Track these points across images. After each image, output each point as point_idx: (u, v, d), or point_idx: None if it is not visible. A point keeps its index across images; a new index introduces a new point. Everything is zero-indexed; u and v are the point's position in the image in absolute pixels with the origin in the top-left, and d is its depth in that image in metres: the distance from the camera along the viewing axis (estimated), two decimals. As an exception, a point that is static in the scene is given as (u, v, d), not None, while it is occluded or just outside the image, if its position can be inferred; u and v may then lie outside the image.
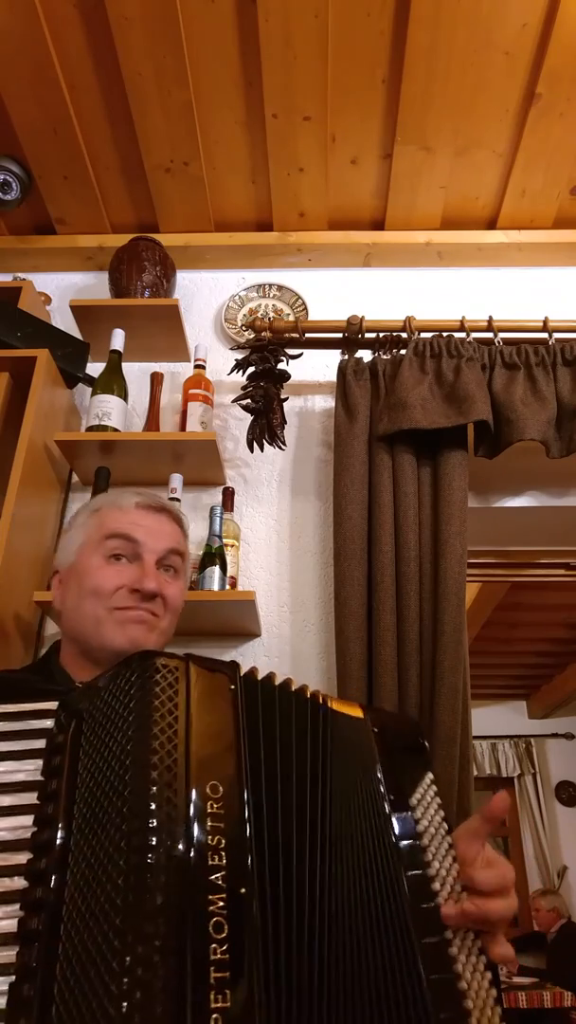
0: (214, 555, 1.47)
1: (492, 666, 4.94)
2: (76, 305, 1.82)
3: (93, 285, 2.07)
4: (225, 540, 1.53)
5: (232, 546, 1.56)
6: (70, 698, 0.67)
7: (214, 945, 0.50)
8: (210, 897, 0.52)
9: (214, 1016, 0.47)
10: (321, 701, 0.75)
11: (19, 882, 0.55)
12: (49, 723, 0.64)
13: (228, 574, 1.49)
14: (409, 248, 2.01)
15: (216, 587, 1.45)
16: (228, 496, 1.64)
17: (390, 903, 0.62)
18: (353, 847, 0.65)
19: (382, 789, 0.70)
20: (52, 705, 0.66)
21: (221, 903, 0.52)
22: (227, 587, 1.48)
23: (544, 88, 1.66)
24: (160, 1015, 0.46)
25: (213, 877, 0.54)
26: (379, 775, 0.71)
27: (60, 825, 0.57)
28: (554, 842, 5.28)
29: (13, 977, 0.50)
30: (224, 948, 0.50)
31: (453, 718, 1.30)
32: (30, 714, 0.65)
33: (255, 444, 1.61)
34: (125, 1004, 0.46)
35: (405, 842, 0.67)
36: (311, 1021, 0.53)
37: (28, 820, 0.58)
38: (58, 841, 0.56)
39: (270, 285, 1.99)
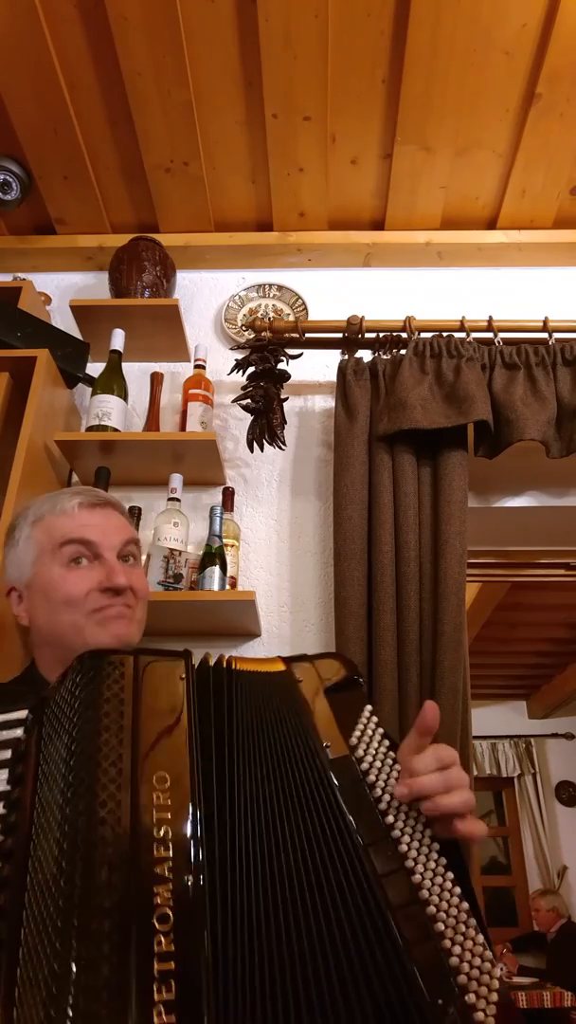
0: (214, 555, 1.47)
1: (492, 666, 4.94)
2: (76, 305, 1.82)
3: (93, 285, 2.07)
4: (225, 540, 1.53)
5: (232, 546, 1.56)
6: (39, 704, 0.68)
7: (159, 936, 0.51)
8: (155, 888, 0.53)
9: (156, 1009, 0.48)
10: (245, 668, 0.76)
11: None
12: (19, 732, 0.65)
13: (228, 574, 1.49)
14: (409, 248, 2.01)
15: (216, 587, 1.45)
16: (228, 496, 1.64)
17: (343, 848, 0.63)
18: (300, 807, 0.65)
19: (319, 741, 0.71)
20: (22, 714, 0.67)
21: (167, 894, 0.53)
22: (227, 587, 1.48)
23: (544, 88, 1.66)
24: (105, 1010, 0.47)
25: (158, 869, 0.54)
26: (314, 727, 0.73)
27: (23, 832, 0.58)
28: (554, 842, 5.28)
29: None
30: (169, 939, 0.51)
31: (453, 718, 1.30)
32: (2, 724, 0.66)
33: (255, 444, 1.61)
34: (69, 1002, 0.47)
35: (351, 789, 0.68)
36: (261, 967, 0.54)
37: None
38: (20, 848, 0.57)
39: (270, 285, 1.99)
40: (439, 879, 0.62)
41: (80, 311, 1.82)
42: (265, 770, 0.67)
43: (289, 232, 2.02)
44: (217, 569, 1.46)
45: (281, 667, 0.79)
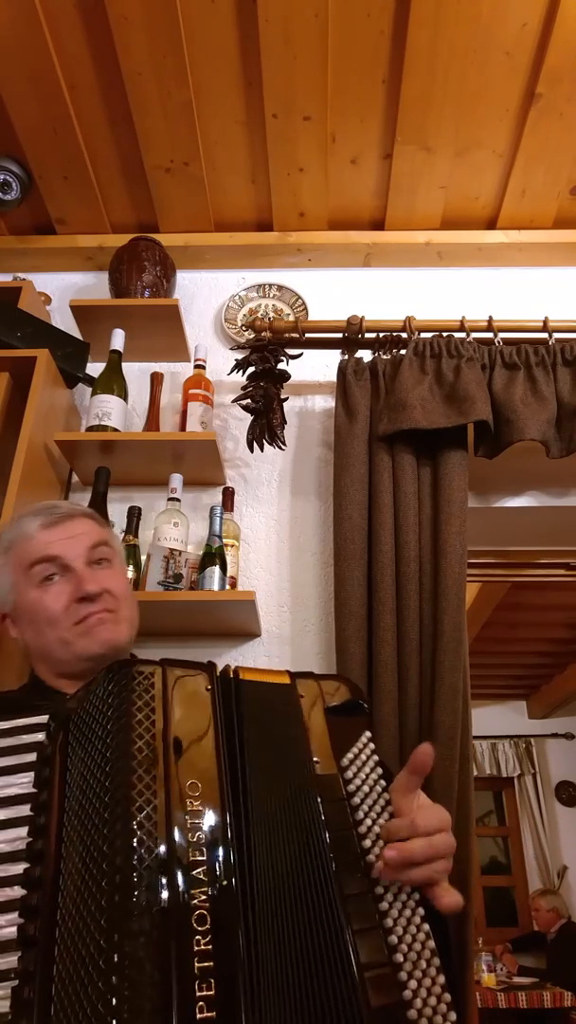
0: (214, 555, 1.47)
1: (492, 666, 4.94)
2: (76, 305, 1.82)
3: (93, 285, 2.07)
4: (225, 540, 1.53)
5: (232, 546, 1.56)
6: (59, 710, 0.69)
7: (198, 937, 0.53)
8: (193, 891, 0.55)
9: (199, 1004, 0.50)
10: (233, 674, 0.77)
11: (17, 891, 0.57)
12: (41, 736, 0.67)
13: (228, 574, 1.49)
14: (409, 248, 2.01)
15: (216, 587, 1.44)
16: (228, 496, 1.64)
17: (317, 866, 0.63)
18: (286, 817, 0.66)
19: (310, 756, 0.72)
20: (43, 719, 0.68)
21: (203, 897, 0.55)
22: (227, 587, 1.48)
23: (544, 88, 1.66)
24: (148, 1010, 0.49)
25: (195, 872, 0.56)
26: (307, 741, 0.73)
27: (52, 834, 0.60)
28: (554, 842, 5.28)
29: (16, 981, 0.53)
30: (207, 940, 0.53)
31: (453, 718, 1.30)
32: (23, 729, 0.68)
33: (255, 444, 1.61)
34: (114, 999, 0.49)
35: (331, 804, 0.68)
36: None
37: (24, 832, 0.61)
38: (51, 849, 0.59)
39: (270, 285, 1.99)
40: (408, 912, 0.63)
41: (80, 311, 1.82)
42: (265, 778, 0.68)
43: (289, 232, 2.02)
44: (217, 569, 1.46)
45: (286, 680, 0.80)
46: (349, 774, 0.72)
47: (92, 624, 0.89)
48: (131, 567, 1.50)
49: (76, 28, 1.58)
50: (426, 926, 0.63)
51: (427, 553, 1.44)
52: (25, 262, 2.06)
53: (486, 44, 1.59)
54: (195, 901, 0.54)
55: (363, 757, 0.74)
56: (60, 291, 2.04)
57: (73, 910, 0.55)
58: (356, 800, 0.69)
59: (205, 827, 0.59)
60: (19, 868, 0.59)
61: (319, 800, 0.67)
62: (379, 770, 0.74)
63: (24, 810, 0.62)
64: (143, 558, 1.54)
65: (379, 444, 1.52)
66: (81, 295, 2.00)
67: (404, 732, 1.32)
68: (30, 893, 0.57)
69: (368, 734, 0.78)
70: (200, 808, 0.60)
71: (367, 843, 0.66)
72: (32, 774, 0.64)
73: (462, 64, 1.62)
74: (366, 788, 0.71)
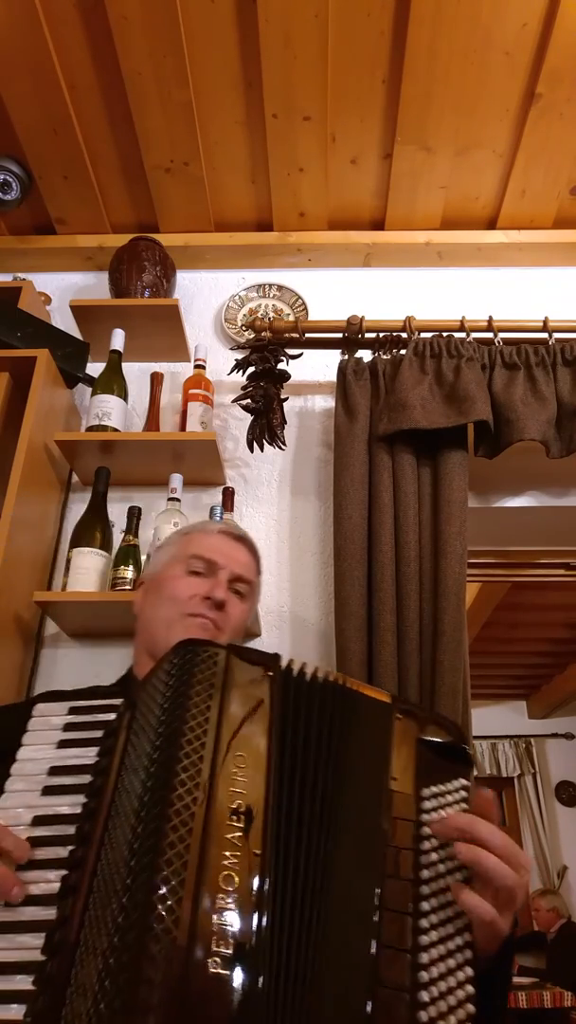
0: (214, 555, 1.47)
1: (492, 666, 4.94)
2: (76, 305, 1.82)
3: (93, 285, 2.06)
4: (225, 540, 1.53)
5: (232, 546, 1.56)
6: (133, 692, 0.73)
7: (221, 895, 0.53)
8: (224, 852, 0.56)
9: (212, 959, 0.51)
10: (350, 686, 0.76)
11: (65, 851, 0.62)
12: (111, 716, 0.72)
13: (228, 574, 1.49)
14: (409, 248, 2.01)
15: (216, 587, 1.44)
16: (228, 496, 1.64)
17: (369, 896, 0.60)
18: (352, 833, 0.65)
19: (387, 771, 0.69)
20: (117, 701, 0.73)
21: (234, 860, 0.56)
22: (227, 587, 1.48)
23: (544, 88, 1.66)
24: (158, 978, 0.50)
25: (229, 836, 0.57)
26: (388, 760, 0.70)
27: (105, 798, 0.64)
28: (554, 842, 5.28)
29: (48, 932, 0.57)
30: (231, 900, 0.54)
31: (453, 718, 1.29)
32: (97, 708, 0.73)
33: (255, 444, 1.61)
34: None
35: (398, 824, 0.65)
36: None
37: (81, 798, 0.65)
38: (102, 811, 0.63)
39: (270, 285, 1.99)
40: (449, 946, 0.59)
41: (80, 311, 1.82)
42: (328, 773, 0.67)
43: (289, 232, 2.02)
44: (217, 569, 1.46)
45: (386, 699, 0.77)
46: (427, 805, 0.67)
47: (197, 623, 0.96)
48: (131, 567, 1.50)
49: (76, 28, 1.58)
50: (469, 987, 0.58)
51: (427, 553, 1.44)
52: (25, 262, 2.06)
53: (486, 44, 1.59)
54: (225, 863, 0.55)
55: (449, 798, 0.68)
56: (60, 291, 2.03)
57: (108, 867, 0.58)
58: (425, 830, 0.65)
59: (249, 795, 0.60)
60: (71, 829, 0.63)
61: (380, 806, 0.65)
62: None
63: (86, 778, 0.67)
64: (143, 558, 1.54)
65: (379, 444, 1.52)
66: (81, 295, 2.00)
67: (404, 732, 1.32)
68: (77, 847, 0.61)
69: (465, 782, 0.70)
70: (243, 779, 0.60)
71: (424, 872, 0.62)
72: (97, 747, 0.69)
73: (462, 64, 1.62)
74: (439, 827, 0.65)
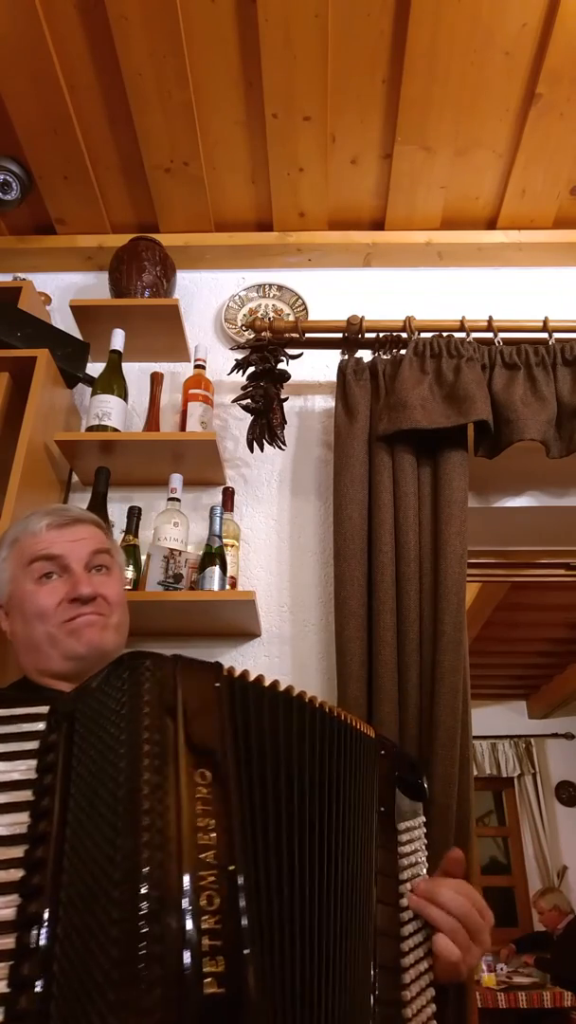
0: (214, 555, 1.47)
1: (492, 666, 4.94)
2: (76, 305, 1.82)
3: (93, 285, 2.07)
4: (225, 540, 1.53)
5: (232, 546, 1.56)
6: (60, 702, 0.68)
7: (205, 916, 0.52)
8: (200, 873, 0.54)
9: (207, 979, 0.49)
10: (331, 712, 0.75)
11: (16, 873, 0.57)
12: (40, 725, 0.66)
13: (228, 574, 1.49)
14: (409, 248, 2.01)
15: (216, 587, 1.44)
16: (228, 496, 1.64)
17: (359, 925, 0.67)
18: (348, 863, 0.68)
19: (375, 807, 0.75)
20: (43, 709, 0.67)
21: (212, 878, 0.54)
22: (227, 587, 1.48)
23: (544, 88, 1.66)
24: (158, 996, 0.48)
25: (203, 856, 0.55)
26: (375, 788, 0.76)
27: (55, 818, 0.59)
28: (554, 842, 5.28)
29: (12, 961, 0.52)
30: (215, 921, 0.52)
31: (453, 718, 1.29)
32: (21, 718, 0.66)
33: (255, 444, 1.61)
34: (117, 973, 0.48)
35: (385, 846, 0.73)
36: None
37: (24, 816, 0.60)
38: (54, 832, 0.58)
39: (270, 285, 1.99)
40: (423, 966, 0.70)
41: (80, 311, 1.82)
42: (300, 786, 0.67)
43: (289, 232, 2.02)
44: (217, 569, 1.46)
45: (371, 733, 0.80)
46: (402, 839, 0.75)
47: (80, 625, 0.91)
48: (131, 567, 1.50)
49: (76, 28, 1.58)
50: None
51: (427, 553, 1.44)
52: (25, 262, 2.06)
53: (486, 44, 1.59)
54: (203, 883, 0.53)
55: (416, 833, 0.78)
56: (60, 291, 2.04)
57: (76, 892, 0.54)
58: (404, 860, 0.74)
59: (216, 811, 0.58)
60: (19, 851, 0.58)
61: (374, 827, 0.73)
62: (427, 852, 0.79)
63: (25, 795, 0.61)
64: (143, 558, 1.54)
65: (379, 444, 1.52)
66: (81, 295, 2.00)
67: (404, 732, 1.32)
68: (29, 874, 0.56)
69: (423, 819, 0.82)
70: (209, 795, 0.58)
71: (403, 901, 0.72)
72: (33, 761, 0.63)
73: (462, 64, 1.62)
74: (413, 858, 0.75)
